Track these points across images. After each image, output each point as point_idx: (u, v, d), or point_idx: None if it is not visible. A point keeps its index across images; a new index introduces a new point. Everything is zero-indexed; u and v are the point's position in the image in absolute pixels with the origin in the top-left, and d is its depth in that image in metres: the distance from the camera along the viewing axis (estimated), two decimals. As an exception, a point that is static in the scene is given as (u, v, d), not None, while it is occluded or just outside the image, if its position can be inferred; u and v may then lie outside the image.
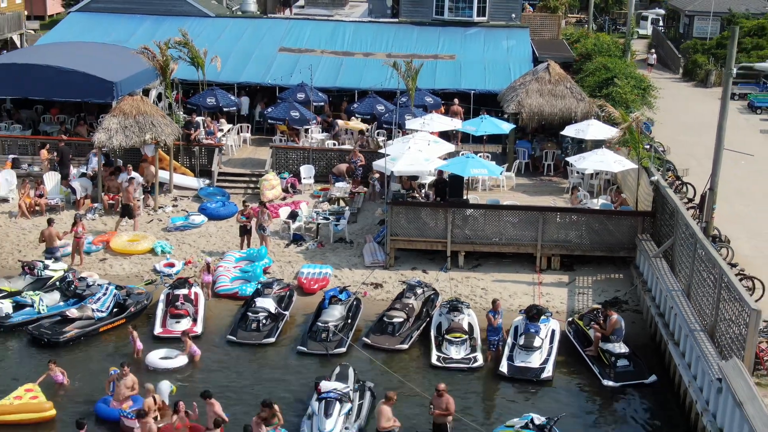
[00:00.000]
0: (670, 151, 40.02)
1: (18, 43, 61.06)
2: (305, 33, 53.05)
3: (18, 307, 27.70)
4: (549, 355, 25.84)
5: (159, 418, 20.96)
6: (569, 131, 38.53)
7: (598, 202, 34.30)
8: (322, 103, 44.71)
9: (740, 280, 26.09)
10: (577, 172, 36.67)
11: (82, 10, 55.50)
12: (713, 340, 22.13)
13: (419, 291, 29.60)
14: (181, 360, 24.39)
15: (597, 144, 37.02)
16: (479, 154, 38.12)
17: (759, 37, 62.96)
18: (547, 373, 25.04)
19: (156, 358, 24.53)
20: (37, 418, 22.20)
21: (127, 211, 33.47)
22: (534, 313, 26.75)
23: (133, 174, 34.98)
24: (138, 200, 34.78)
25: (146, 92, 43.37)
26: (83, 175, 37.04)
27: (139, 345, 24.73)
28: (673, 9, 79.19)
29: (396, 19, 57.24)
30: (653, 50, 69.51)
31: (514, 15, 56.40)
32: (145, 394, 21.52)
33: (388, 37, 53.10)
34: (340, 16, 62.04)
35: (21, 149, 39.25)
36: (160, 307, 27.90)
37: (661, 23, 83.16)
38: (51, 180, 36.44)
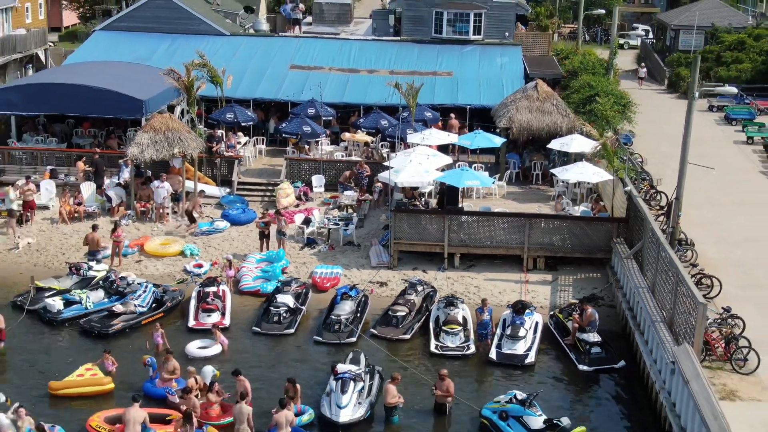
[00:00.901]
0: (647, 161, 42.47)
1: (42, 57, 62.89)
2: (314, 51, 54.59)
3: (67, 303, 30.31)
4: (532, 343, 28.62)
5: (200, 396, 24.27)
6: (555, 144, 40.84)
7: (578, 210, 36.92)
8: (331, 118, 46.77)
9: (700, 279, 29.39)
10: (562, 182, 39.12)
11: (106, 29, 57.20)
12: (671, 329, 25.21)
13: (419, 288, 32.07)
14: (216, 349, 27.45)
15: (580, 156, 39.41)
16: (474, 165, 40.76)
17: (739, 51, 64.53)
18: (530, 359, 27.88)
19: (194, 348, 27.61)
20: (98, 390, 25.48)
21: (191, 218, 36.90)
22: (520, 308, 29.59)
23: (165, 183, 37.88)
24: (167, 208, 37.79)
25: (170, 108, 45.63)
26: (117, 184, 39.56)
27: (160, 341, 27.65)
28: (660, 22, 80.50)
29: (398, 38, 58.68)
30: (643, 63, 70.81)
31: (507, 33, 57.59)
32: (187, 376, 24.76)
33: (391, 55, 54.71)
34: (346, 34, 63.55)
35: (57, 161, 41.72)
36: (192, 302, 30.61)
37: (650, 35, 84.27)
38: (87, 189, 39.03)
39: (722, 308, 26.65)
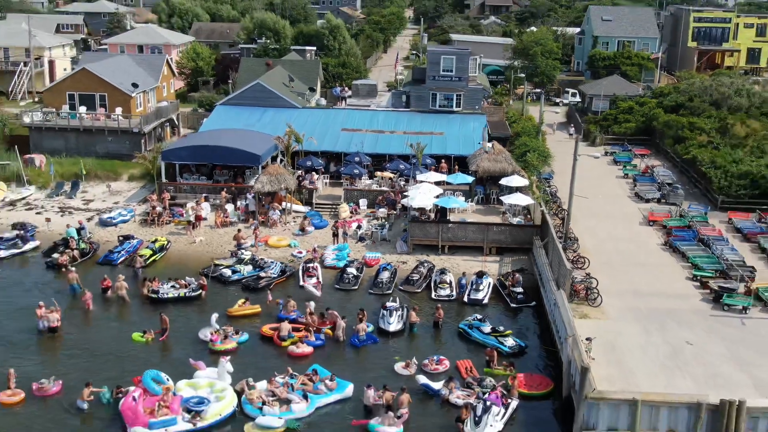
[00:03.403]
0: (560, 190, 49.37)
1: (176, 120, 67.33)
2: (355, 118, 59.79)
3: (232, 272, 39.95)
4: (487, 293, 38.02)
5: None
6: (503, 181, 47.95)
7: (515, 220, 45.49)
8: (368, 163, 53.59)
9: (577, 258, 38.88)
10: (507, 204, 46.34)
11: (224, 104, 62.32)
12: (557, 284, 35.26)
13: (426, 264, 41.10)
14: (318, 293, 38.15)
15: (518, 188, 47.30)
16: (455, 193, 48.22)
17: (629, 114, 68.78)
18: (485, 301, 37.54)
19: (312, 286, 38.32)
20: (251, 312, 35.57)
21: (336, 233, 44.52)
22: (480, 274, 39.25)
23: (277, 211, 47.22)
24: (277, 218, 47.16)
25: (273, 158, 53.46)
26: (246, 206, 48.16)
27: (284, 301, 38.27)
28: (581, 90, 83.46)
29: (408, 109, 62.74)
30: (572, 125, 72.32)
31: (477, 107, 62.48)
32: (304, 309, 35.32)
33: (404, 120, 59.41)
34: (374, 105, 67.74)
35: (208, 190, 50.21)
36: (300, 272, 40.29)
37: (577, 98, 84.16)
38: (229, 208, 47.89)
39: (586, 273, 36.90)
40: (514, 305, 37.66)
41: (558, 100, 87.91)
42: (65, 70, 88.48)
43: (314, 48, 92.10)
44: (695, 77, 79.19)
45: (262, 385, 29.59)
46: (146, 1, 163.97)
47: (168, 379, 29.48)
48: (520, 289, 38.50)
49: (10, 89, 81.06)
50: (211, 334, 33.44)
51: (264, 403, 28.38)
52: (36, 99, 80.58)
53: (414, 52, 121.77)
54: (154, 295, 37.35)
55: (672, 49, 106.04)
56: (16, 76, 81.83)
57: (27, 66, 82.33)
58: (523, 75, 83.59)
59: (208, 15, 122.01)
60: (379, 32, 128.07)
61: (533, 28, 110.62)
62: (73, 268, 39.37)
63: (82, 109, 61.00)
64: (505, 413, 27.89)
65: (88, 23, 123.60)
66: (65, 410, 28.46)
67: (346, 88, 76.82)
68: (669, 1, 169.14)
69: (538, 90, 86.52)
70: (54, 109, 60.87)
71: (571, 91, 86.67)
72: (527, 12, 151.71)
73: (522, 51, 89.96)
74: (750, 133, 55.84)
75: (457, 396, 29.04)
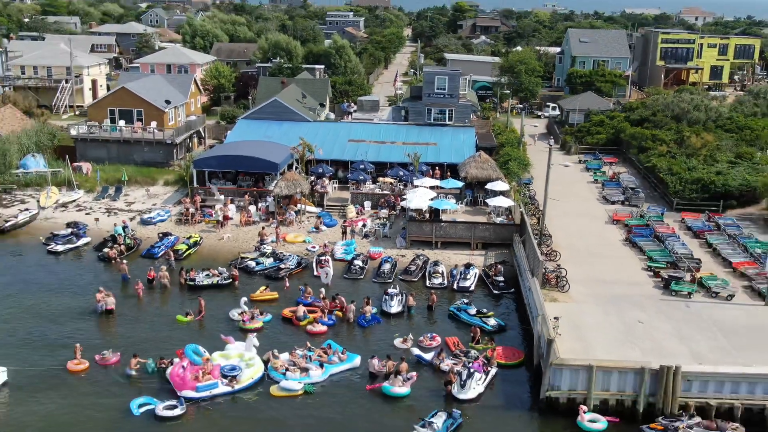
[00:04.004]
0: (537, 193, 52.21)
1: (202, 132, 69.51)
2: (360, 131, 61.67)
3: (256, 264, 42.83)
4: (473, 281, 40.84)
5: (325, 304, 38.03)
6: (489, 186, 50.64)
7: (498, 219, 48.13)
8: (372, 169, 55.90)
9: (550, 252, 41.75)
10: (492, 205, 49.27)
11: (245, 118, 64.37)
12: (532, 273, 38.32)
13: (421, 257, 43.83)
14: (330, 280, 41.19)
15: (501, 192, 49.95)
16: (447, 196, 50.74)
17: (600, 126, 71.04)
18: (472, 288, 40.40)
19: (324, 275, 41.19)
20: (270, 298, 38.39)
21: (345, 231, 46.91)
22: (468, 266, 42.06)
23: (293, 212, 50.01)
24: (293, 218, 50.04)
25: (289, 166, 55.37)
26: (266, 207, 50.88)
27: (304, 288, 41.39)
28: (559, 105, 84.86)
29: (407, 122, 64.75)
30: (551, 136, 72.42)
31: (467, 120, 64.34)
32: (318, 294, 38.57)
33: (403, 132, 61.44)
34: (377, 119, 69.81)
35: (232, 193, 52.81)
36: (314, 264, 43.10)
37: (557, 111, 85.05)
38: (252, 209, 50.46)
39: (557, 264, 39.91)
40: (496, 291, 40.62)
41: (540, 113, 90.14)
42: (101, 86, 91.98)
43: (323, 66, 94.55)
44: (661, 93, 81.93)
45: (285, 356, 32.89)
46: (170, 22, 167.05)
47: (205, 352, 32.71)
48: (501, 278, 41.43)
49: (53, 104, 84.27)
50: (240, 314, 36.57)
51: (287, 370, 31.68)
52: (76, 113, 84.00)
53: (412, 69, 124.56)
54: (191, 283, 40.52)
55: (642, 67, 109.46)
56: (58, 92, 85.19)
57: (68, 83, 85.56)
58: (508, 92, 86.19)
59: (227, 36, 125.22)
60: (381, 50, 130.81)
61: (519, 48, 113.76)
62: (124, 261, 42.55)
63: (122, 122, 63.93)
64: (485, 378, 31.16)
65: (119, 43, 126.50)
66: (120, 377, 31.67)
67: (353, 104, 78.99)
68: (640, 23, 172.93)
69: (520, 106, 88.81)
70: (97, 123, 63.92)
71: (551, 105, 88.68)
72: (514, 32, 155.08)
73: (508, 69, 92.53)
74: (704, 144, 58.77)
75: (446, 364, 32.29)
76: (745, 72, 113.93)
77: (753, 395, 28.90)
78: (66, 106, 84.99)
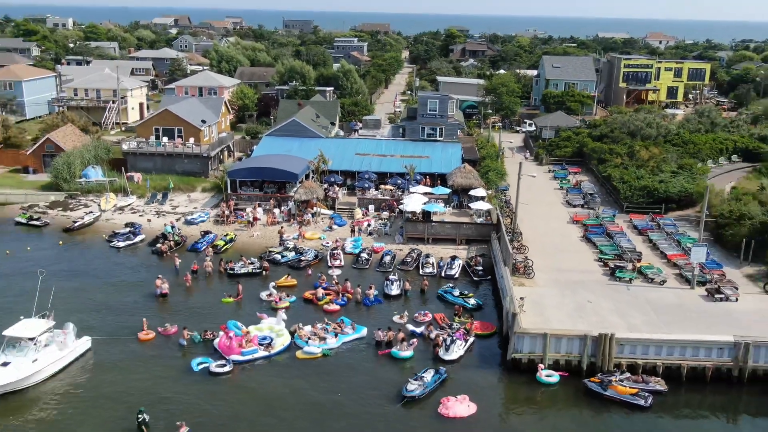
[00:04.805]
0: (511, 198, 54.60)
1: (232, 146, 72.81)
2: (365, 145, 65.25)
3: (281, 257, 46.53)
4: (458, 270, 44.68)
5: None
6: (472, 192, 54.16)
7: (479, 220, 51.81)
8: (375, 178, 59.21)
9: (520, 246, 45.47)
10: (474, 209, 52.71)
11: (269, 135, 67.64)
12: (505, 263, 42.36)
13: (416, 251, 47.54)
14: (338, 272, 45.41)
15: (482, 198, 53.38)
16: (437, 201, 54.05)
17: (567, 141, 74.14)
18: (456, 275, 44.21)
19: (335, 267, 45.47)
20: (290, 284, 42.26)
21: (353, 230, 50.19)
22: (453, 257, 45.95)
23: (310, 214, 53.90)
24: (310, 219, 54.00)
25: (306, 176, 59.37)
26: (288, 210, 54.89)
27: (321, 276, 45.67)
28: (534, 122, 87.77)
29: (404, 138, 68.60)
30: (527, 149, 76.42)
31: (454, 136, 68.54)
32: (330, 280, 42.91)
33: (400, 147, 64.65)
34: (379, 135, 73.50)
35: (259, 199, 56.38)
36: (327, 257, 46.86)
37: (534, 127, 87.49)
38: (275, 212, 54.50)
39: (525, 256, 44.02)
40: (476, 279, 44.63)
41: (518, 129, 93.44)
42: (140, 105, 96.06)
43: (332, 88, 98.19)
44: (622, 111, 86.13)
45: (308, 327, 37.43)
46: (198, 47, 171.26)
47: (242, 326, 37.12)
48: (480, 268, 45.40)
49: (102, 121, 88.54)
50: (268, 296, 40.76)
51: (309, 338, 36.23)
52: (122, 129, 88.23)
53: (409, 91, 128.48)
54: (230, 271, 44.76)
55: (608, 88, 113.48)
56: (106, 111, 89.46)
57: (115, 103, 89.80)
58: (491, 111, 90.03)
59: (249, 61, 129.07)
60: (382, 72, 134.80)
61: (502, 71, 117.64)
62: (176, 254, 46.97)
63: (165, 138, 67.99)
64: (465, 345, 35.67)
65: (155, 66, 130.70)
66: (175, 344, 36.15)
67: (358, 122, 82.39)
68: (610, 47, 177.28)
69: (500, 124, 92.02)
70: (144, 139, 68.17)
71: (528, 121, 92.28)
72: (498, 56, 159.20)
73: (492, 90, 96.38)
74: (651, 156, 62.95)
75: (435, 334, 36.83)
76: (697, 92, 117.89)
77: (671, 356, 33.40)
78: (113, 123, 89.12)
